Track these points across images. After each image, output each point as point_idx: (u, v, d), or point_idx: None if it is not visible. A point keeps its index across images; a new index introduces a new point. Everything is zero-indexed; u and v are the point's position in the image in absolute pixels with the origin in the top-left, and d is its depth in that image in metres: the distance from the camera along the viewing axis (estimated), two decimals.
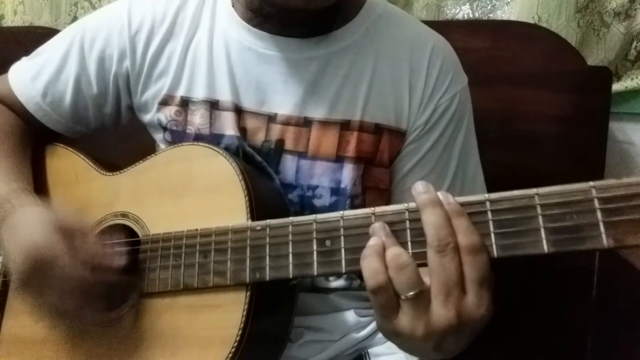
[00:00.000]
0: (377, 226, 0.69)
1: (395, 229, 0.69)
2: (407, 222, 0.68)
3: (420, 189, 0.68)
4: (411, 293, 0.64)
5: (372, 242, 0.69)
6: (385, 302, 0.66)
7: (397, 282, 0.65)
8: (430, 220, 0.66)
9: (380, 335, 1.09)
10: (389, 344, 1.07)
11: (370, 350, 1.09)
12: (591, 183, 0.60)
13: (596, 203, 0.59)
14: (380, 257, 0.67)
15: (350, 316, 1.07)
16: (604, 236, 0.58)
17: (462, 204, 0.66)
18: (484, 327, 0.67)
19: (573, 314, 1.45)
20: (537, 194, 0.62)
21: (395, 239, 0.68)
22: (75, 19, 1.85)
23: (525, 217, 0.62)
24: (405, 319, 0.66)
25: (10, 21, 1.94)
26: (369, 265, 0.67)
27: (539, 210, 0.62)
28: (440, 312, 0.64)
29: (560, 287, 1.45)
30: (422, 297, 0.65)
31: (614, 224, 0.58)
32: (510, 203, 0.63)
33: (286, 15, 0.96)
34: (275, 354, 0.91)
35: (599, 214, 0.59)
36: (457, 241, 0.64)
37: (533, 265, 1.44)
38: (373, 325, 1.09)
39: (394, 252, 0.66)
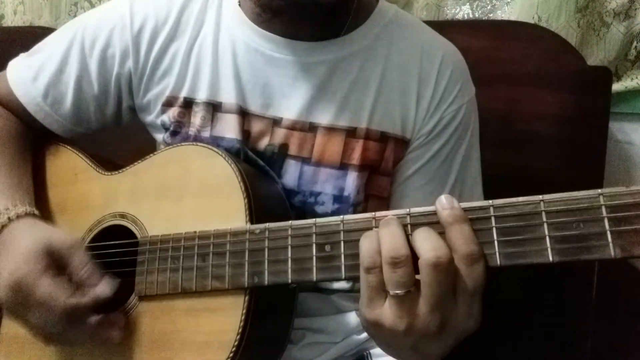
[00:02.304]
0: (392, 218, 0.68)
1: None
2: (409, 227, 0.67)
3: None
4: (399, 292, 0.64)
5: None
6: (376, 285, 0.66)
7: (387, 277, 0.64)
8: (431, 240, 0.64)
9: None
10: None
11: (372, 352, 1.08)
12: (599, 190, 0.59)
13: (604, 211, 0.58)
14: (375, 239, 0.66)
15: (352, 318, 1.07)
16: (611, 246, 0.57)
17: (466, 209, 0.65)
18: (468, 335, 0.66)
19: (573, 314, 1.44)
20: (542, 201, 0.61)
21: (404, 234, 0.66)
22: None
23: (530, 225, 0.61)
24: (389, 311, 0.65)
25: (10, 21, 1.94)
26: (370, 246, 0.66)
27: (544, 217, 0.61)
28: (427, 317, 0.64)
29: (560, 287, 1.44)
30: (409, 297, 0.64)
31: (622, 233, 0.57)
32: (514, 209, 0.62)
33: (296, 10, 0.95)
34: (275, 357, 0.91)
35: (606, 223, 0.58)
36: (454, 249, 0.63)
37: (533, 264, 1.44)
38: None
39: (394, 244, 0.65)
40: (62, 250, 0.85)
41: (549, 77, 1.41)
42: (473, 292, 0.63)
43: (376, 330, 0.68)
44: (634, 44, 1.47)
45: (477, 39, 1.44)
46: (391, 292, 0.64)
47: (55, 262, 0.84)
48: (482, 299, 0.64)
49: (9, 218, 0.90)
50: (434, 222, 0.66)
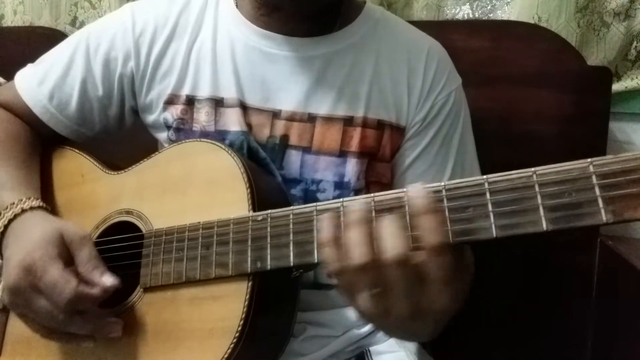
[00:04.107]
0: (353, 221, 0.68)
1: (395, 214, 0.68)
2: (407, 206, 0.68)
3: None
4: (373, 291, 0.66)
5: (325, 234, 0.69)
6: (346, 285, 0.68)
7: (359, 280, 0.66)
8: (392, 236, 0.65)
9: (381, 332, 1.10)
10: (391, 341, 1.10)
11: (371, 349, 1.09)
12: (589, 159, 0.60)
13: (594, 179, 0.59)
14: (337, 246, 0.67)
15: (351, 312, 1.08)
16: (602, 211, 0.58)
17: (461, 186, 0.66)
18: (456, 310, 0.68)
19: (573, 314, 1.45)
20: (535, 173, 0.63)
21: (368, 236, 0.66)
22: (75, 19, 1.88)
23: (524, 196, 0.62)
24: (364, 305, 0.67)
25: (10, 21, 1.95)
26: (327, 256, 0.68)
27: (537, 188, 0.62)
28: (399, 305, 0.66)
29: (560, 287, 1.45)
30: (380, 293, 0.66)
31: (613, 198, 0.58)
32: (508, 183, 0.64)
33: (294, 5, 1.00)
34: (278, 346, 0.92)
35: (597, 190, 0.59)
36: (422, 239, 0.64)
37: (533, 265, 1.44)
38: None
39: (359, 250, 0.65)
40: (73, 242, 0.87)
41: (549, 77, 1.42)
42: (442, 280, 0.64)
43: (365, 318, 0.71)
44: (634, 44, 1.48)
45: (477, 39, 1.45)
46: (364, 293, 0.66)
47: (65, 252, 0.87)
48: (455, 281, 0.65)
49: (22, 209, 0.93)
50: None
